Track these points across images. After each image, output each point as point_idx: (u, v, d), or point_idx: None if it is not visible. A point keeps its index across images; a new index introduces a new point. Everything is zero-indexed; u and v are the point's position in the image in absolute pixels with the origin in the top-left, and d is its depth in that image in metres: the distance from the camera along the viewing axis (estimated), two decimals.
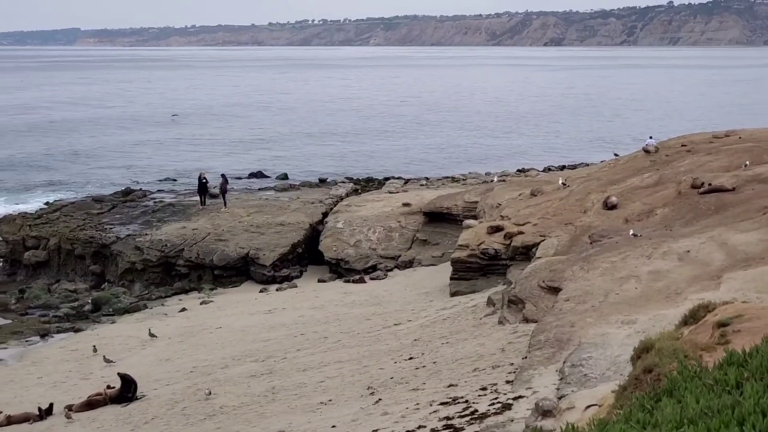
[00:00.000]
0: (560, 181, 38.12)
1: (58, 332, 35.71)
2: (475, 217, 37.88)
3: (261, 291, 39.32)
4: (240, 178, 71.26)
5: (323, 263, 42.25)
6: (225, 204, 48.00)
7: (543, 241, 30.35)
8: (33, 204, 59.89)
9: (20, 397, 26.63)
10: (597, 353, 16.05)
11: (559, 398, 13.97)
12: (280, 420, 19.66)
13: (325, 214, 46.51)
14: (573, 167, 63.11)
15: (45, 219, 47.10)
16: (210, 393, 22.92)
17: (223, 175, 50.50)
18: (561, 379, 15.35)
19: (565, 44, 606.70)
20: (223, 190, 48.68)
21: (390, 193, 51.03)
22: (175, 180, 73.25)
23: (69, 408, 23.88)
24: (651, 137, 41.69)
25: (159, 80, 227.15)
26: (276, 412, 20.52)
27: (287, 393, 22.01)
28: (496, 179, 50.29)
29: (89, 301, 39.86)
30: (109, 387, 24.84)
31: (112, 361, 29.42)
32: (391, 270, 40.44)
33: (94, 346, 31.32)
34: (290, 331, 30.04)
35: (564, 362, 16.06)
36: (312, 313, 32.85)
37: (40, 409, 23.96)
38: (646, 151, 39.17)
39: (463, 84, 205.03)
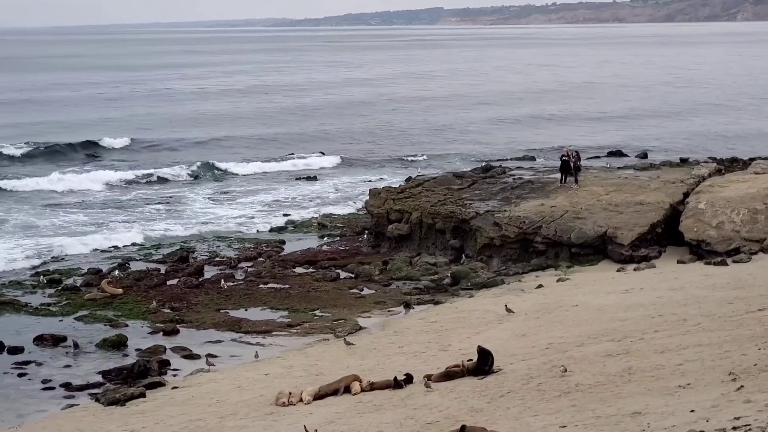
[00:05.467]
0: None
1: (418, 304, 36.89)
2: None
3: (618, 270, 38.71)
4: (599, 157, 70.76)
5: (683, 244, 41.00)
6: (576, 182, 47.61)
7: None
8: None
9: (382, 365, 27.71)
10: None
11: None
12: (636, 401, 19.30)
13: (686, 195, 45.09)
14: None
15: (408, 193, 48.66)
16: (565, 370, 22.85)
17: (576, 152, 50.18)
18: None
19: None
20: (576, 168, 48.31)
21: (756, 173, 48.69)
22: (533, 158, 73.82)
23: (428, 378, 24.56)
24: None
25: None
26: (632, 392, 20.17)
27: (644, 374, 21.57)
28: None
29: (448, 274, 40.83)
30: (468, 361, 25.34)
31: (352, 344, 30.38)
32: (755, 253, 38.61)
33: (256, 352, 31.33)
34: (648, 311, 29.40)
35: None
36: (671, 294, 31.98)
37: (395, 378, 24.80)
38: None
39: None
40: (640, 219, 41.85)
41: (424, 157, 78.86)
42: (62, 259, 45.69)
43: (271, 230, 52.12)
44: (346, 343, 30.69)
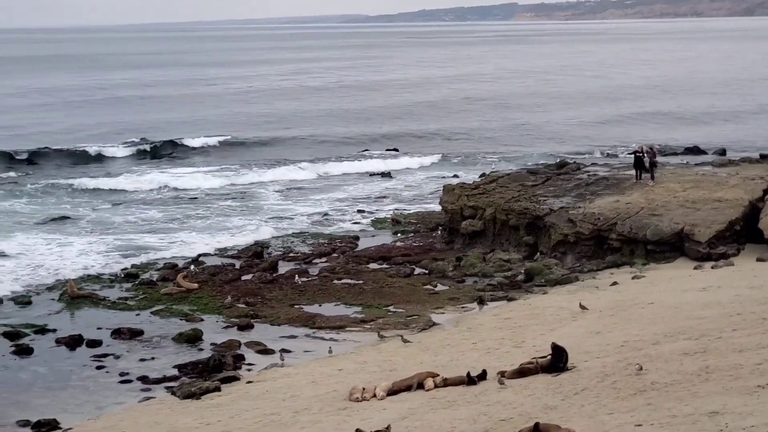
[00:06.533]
0: None
1: (492, 300, 36.76)
2: None
3: (695, 268, 38.15)
4: (676, 153, 69.95)
5: (763, 242, 40.27)
6: (652, 178, 47.08)
7: None
8: None
9: (456, 361, 27.65)
10: None
11: None
12: (713, 401, 19.03)
13: (766, 191, 44.32)
14: None
15: (482, 190, 48.51)
16: (641, 368, 22.59)
17: (651, 148, 49.66)
18: None
19: None
20: (652, 164, 47.77)
21: None
22: (608, 154, 73.20)
23: (502, 374, 24.46)
24: None
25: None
26: (709, 392, 19.88)
27: (722, 373, 21.23)
28: None
29: (522, 271, 40.64)
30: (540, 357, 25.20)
31: (409, 341, 30.56)
32: None
33: (330, 347, 31.73)
34: (726, 309, 28.94)
35: None
36: (750, 292, 31.42)
37: (469, 374, 24.74)
38: None
39: None
40: (718, 216, 41.24)
41: (500, 156, 78.42)
42: (141, 254, 46.31)
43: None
44: (404, 341, 30.72)
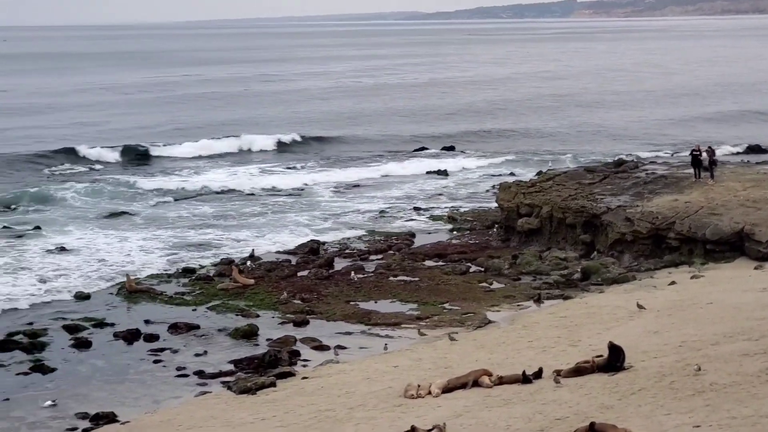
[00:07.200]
0: None
1: (548, 298, 36.57)
2: None
3: (755, 268, 37.60)
4: (739, 153, 69.16)
5: None
6: (712, 177, 46.50)
7: None
8: None
9: (511, 359, 27.54)
10: None
11: None
12: None
13: None
14: None
15: (538, 188, 48.25)
16: (699, 369, 22.34)
17: (710, 147, 49.11)
18: None
19: None
20: (712, 162, 47.20)
21: None
22: (666, 152, 72.52)
23: (557, 373, 24.32)
24: None
25: None
26: None
27: None
28: None
29: (579, 269, 40.37)
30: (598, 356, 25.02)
31: (455, 339, 30.49)
32: None
33: (386, 344, 31.74)
34: None
35: None
36: None
37: (524, 372, 24.62)
38: None
39: None
40: None
41: (559, 154, 77.88)
42: (198, 250, 46.65)
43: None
44: (450, 339, 30.63)
